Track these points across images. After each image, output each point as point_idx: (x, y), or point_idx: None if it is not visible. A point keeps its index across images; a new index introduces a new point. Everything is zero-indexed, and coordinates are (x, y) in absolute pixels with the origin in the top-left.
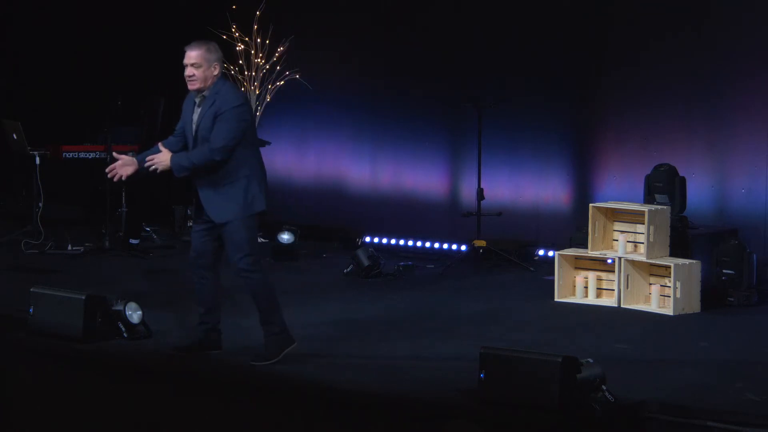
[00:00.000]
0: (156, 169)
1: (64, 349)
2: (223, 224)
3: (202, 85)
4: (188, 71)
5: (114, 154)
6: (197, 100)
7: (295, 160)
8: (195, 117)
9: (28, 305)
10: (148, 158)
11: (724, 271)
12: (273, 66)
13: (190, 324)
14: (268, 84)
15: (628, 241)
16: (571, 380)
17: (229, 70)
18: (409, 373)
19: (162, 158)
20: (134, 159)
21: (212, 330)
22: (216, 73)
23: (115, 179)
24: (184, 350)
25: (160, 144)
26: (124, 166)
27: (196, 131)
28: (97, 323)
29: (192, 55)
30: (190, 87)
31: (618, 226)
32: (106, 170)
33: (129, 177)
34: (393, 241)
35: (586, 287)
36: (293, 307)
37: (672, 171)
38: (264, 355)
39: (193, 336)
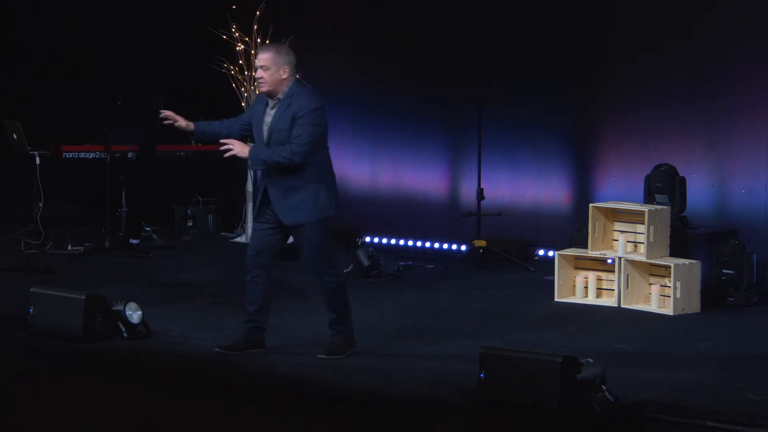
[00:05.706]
0: (227, 152)
1: (64, 349)
2: (297, 227)
3: (271, 88)
4: (257, 74)
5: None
6: (270, 103)
7: None
8: (268, 119)
9: (28, 305)
10: (224, 140)
11: (724, 271)
12: None
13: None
14: None
15: (628, 241)
16: (571, 380)
17: (229, 70)
18: (409, 373)
19: (240, 147)
20: (190, 123)
21: (258, 329)
22: (285, 76)
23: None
24: (230, 349)
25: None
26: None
27: (270, 133)
28: (97, 323)
29: (261, 58)
30: (259, 89)
31: (618, 226)
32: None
33: (179, 128)
34: (393, 241)
35: (586, 287)
36: (293, 308)
37: (672, 171)
38: (333, 351)
39: (237, 334)
